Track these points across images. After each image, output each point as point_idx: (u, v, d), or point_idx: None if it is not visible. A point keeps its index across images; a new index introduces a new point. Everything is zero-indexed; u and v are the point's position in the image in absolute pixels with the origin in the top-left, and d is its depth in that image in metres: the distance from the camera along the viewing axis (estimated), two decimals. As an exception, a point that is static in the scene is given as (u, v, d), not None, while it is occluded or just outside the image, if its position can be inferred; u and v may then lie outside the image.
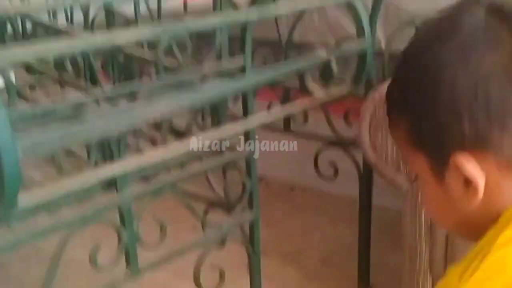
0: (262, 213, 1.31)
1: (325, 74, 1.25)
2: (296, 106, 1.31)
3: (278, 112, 1.32)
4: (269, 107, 1.66)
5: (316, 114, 1.57)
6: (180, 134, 1.20)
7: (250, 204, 1.27)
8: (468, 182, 0.53)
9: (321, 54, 1.22)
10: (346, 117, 1.56)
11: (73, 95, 1.58)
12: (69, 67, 1.61)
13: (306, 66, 1.24)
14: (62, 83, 1.66)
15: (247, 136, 1.21)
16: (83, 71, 1.55)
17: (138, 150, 1.13)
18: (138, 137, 1.17)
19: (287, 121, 1.67)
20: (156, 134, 1.17)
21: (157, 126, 1.17)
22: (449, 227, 0.63)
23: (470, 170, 0.52)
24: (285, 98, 1.61)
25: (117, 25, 1.55)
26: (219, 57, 1.18)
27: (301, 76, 1.24)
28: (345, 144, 1.56)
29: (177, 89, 1.13)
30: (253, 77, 1.15)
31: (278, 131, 1.70)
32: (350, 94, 1.33)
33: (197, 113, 1.23)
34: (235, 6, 1.18)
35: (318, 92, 1.25)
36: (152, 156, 1.08)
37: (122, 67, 1.39)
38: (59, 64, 1.65)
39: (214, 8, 1.21)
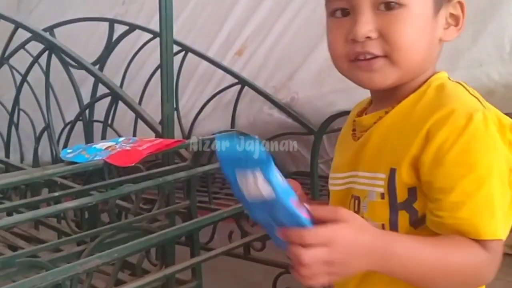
0: None
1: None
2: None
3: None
4: (230, 236, 1.79)
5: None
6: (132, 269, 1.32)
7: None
8: (457, 20, 0.75)
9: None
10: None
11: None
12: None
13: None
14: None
15: (194, 271, 1.34)
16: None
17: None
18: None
19: (246, 248, 1.79)
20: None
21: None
22: (419, 53, 0.74)
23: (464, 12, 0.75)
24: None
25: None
26: (167, 201, 1.34)
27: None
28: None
29: (130, 233, 1.27)
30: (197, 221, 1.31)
31: (239, 258, 1.81)
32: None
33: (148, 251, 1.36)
34: (183, 158, 1.35)
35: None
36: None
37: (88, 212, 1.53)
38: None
39: (163, 159, 1.39)
